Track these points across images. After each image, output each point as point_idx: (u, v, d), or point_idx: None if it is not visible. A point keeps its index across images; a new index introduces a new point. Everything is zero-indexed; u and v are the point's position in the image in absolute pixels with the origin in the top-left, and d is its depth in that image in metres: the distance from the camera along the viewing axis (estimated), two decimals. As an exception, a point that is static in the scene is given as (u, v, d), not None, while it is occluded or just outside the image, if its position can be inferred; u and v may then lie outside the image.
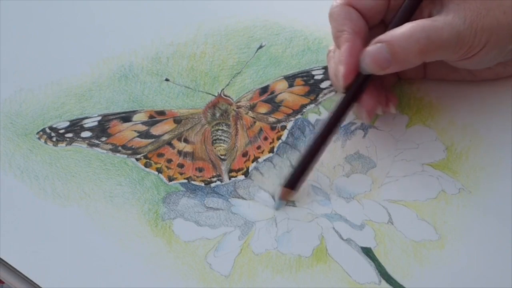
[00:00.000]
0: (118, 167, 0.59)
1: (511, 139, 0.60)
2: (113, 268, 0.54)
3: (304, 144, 0.60)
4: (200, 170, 0.59)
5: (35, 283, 0.53)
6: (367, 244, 0.55)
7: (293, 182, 0.57)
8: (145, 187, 0.58)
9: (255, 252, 0.55)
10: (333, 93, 0.63)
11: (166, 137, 0.61)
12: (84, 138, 0.60)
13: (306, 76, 0.64)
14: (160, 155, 0.60)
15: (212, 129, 0.61)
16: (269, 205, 0.57)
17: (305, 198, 0.57)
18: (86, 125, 0.61)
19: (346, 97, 0.58)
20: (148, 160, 0.59)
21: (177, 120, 0.62)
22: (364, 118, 0.59)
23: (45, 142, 0.60)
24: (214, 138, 0.61)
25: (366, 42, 0.58)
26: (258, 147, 0.60)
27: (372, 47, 0.56)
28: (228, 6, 0.68)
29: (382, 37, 0.56)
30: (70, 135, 0.60)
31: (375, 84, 0.59)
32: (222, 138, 0.61)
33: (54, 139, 0.60)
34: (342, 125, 0.61)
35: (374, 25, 0.60)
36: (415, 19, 0.57)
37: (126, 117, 0.61)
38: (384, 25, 0.60)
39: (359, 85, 0.58)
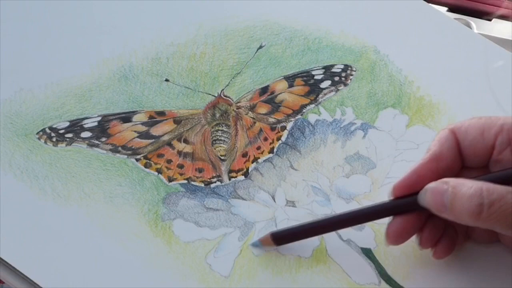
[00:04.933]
0: (118, 168, 0.59)
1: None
2: (113, 268, 0.54)
3: (303, 144, 0.60)
4: (200, 170, 0.59)
5: (35, 283, 0.53)
6: (367, 245, 0.55)
7: (281, 240, 0.55)
8: (145, 188, 0.58)
9: (255, 253, 0.55)
10: (333, 93, 0.63)
11: (166, 137, 0.61)
12: (84, 139, 0.60)
13: (306, 76, 0.64)
14: (160, 155, 0.60)
15: (212, 130, 0.61)
16: (268, 205, 0.57)
17: (305, 199, 0.58)
18: (86, 126, 0.61)
19: (384, 205, 0.54)
20: (148, 161, 0.59)
21: (177, 121, 0.61)
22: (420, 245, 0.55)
23: (45, 142, 0.60)
24: (214, 138, 0.61)
25: (452, 175, 0.53)
26: (258, 148, 0.60)
27: (436, 184, 0.52)
28: (228, 6, 0.68)
29: (453, 180, 0.52)
30: (70, 135, 0.60)
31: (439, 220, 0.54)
32: (222, 138, 0.61)
33: (54, 139, 0.60)
34: (342, 126, 0.61)
35: (477, 167, 0.55)
36: None
37: (126, 118, 0.61)
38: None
39: (404, 205, 0.54)
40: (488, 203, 0.50)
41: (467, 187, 0.51)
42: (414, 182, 0.53)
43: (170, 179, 0.58)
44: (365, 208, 0.55)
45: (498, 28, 0.77)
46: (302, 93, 0.63)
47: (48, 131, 0.60)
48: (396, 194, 0.54)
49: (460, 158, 0.55)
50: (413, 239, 0.55)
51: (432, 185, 0.52)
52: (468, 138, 0.54)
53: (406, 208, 0.54)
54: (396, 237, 0.54)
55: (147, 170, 0.59)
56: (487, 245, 0.55)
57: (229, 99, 0.63)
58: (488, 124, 0.54)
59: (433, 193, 0.52)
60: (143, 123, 0.61)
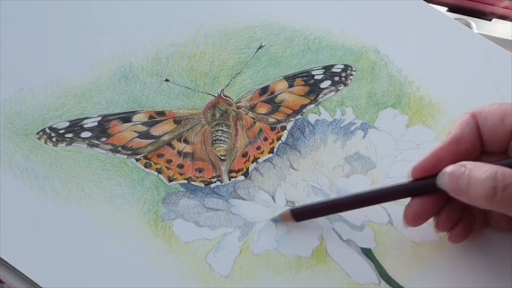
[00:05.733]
0: (118, 168, 0.59)
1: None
2: (113, 268, 0.54)
3: (303, 144, 0.60)
4: (200, 170, 0.59)
5: (35, 283, 0.53)
6: (367, 245, 0.55)
7: (302, 216, 0.55)
8: (145, 188, 0.58)
9: (255, 253, 0.55)
10: (333, 93, 0.63)
11: (166, 137, 0.61)
12: (84, 139, 0.60)
13: (306, 76, 0.64)
14: (160, 155, 0.60)
15: (212, 130, 0.61)
16: (268, 205, 0.57)
17: (305, 199, 0.57)
18: (86, 126, 0.61)
19: (403, 186, 0.55)
20: (148, 161, 0.59)
21: (177, 121, 0.62)
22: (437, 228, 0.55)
23: (45, 142, 0.60)
24: (214, 138, 0.61)
25: (471, 159, 0.53)
26: (258, 148, 0.60)
27: (454, 167, 0.52)
28: (228, 6, 0.68)
29: (470, 163, 0.52)
30: (70, 135, 0.60)
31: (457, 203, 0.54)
32: (222, 138, 0.61)
33: (54, 139, 0.60)
34: (342, 125, 0.61)
35: (497, 152, 0.55)
36: None
37: (126, 118, 0.61)
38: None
39: (422, 186, 0.54)
40: (502, 187, 0.50)
41: (482, 171, 0.51)
42: (434, 164, 0.54)
43: (170, 179, 0.58)
44: (384, 188, 0.55)
45: (498, 28, 0.77)
46: (302, 93, 0.63)
47: (48, 131, 0.60)
48: (415, 176, 0.54)
49: (480, 142, 0.55)
50: (413, 239, 0.55)
51: (450, 168, 0.53)
52: (488, 123, 0.55)
53: (424, 190, 0.54)
54: (413, 219, 0.54)
55: (147, 170, 0.59)
56: (505, 233, 0.55)
57: (229, 99, 0.63)
58: (508, 110, 0.54)
59: (450, 175, 0.52)
60: (143, 123, 0.61)
